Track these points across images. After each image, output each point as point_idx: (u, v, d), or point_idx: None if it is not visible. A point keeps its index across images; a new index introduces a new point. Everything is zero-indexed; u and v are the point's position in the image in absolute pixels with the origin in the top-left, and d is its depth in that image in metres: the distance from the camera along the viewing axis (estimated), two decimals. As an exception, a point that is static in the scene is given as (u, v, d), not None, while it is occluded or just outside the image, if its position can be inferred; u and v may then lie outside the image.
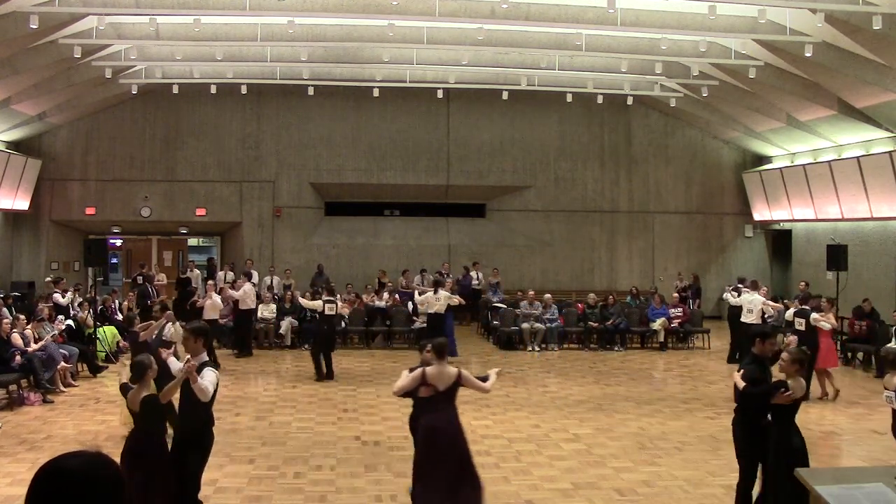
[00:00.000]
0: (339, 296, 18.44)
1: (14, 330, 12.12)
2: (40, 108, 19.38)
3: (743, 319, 14.88)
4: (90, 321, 15.19)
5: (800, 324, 13.01)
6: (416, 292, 17.14)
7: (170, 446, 6.40)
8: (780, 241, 23.77)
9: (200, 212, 22.34)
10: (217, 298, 15.70)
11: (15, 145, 20.74)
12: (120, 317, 16.11)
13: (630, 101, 21.47)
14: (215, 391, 6.32)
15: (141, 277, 19.31)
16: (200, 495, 6.53)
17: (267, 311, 17.42)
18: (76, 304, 15.89)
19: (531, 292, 18.35)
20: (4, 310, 13.90)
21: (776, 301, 16.13)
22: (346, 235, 22.94)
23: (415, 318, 17.53)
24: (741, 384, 6.69)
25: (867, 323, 15.60)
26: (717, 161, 24.01)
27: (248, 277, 17.89)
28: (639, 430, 10.38)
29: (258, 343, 17.04)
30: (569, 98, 20.60)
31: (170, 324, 11.14)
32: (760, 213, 23.11)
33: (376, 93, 19.88)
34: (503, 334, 17.79)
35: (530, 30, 16.14)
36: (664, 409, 11.70)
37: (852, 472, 7.00)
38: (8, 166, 19.38)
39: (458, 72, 18.76)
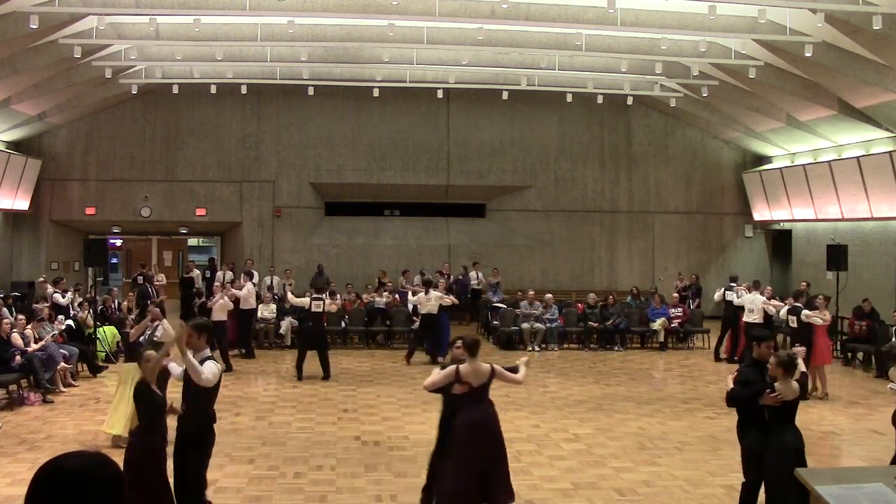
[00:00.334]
0: (333, 294, 18.52)
1: (14, 330, 12.12)
2: (40, 108, 19.39)
3: (745, 319, 14.92)
4: (90, 321, 15.19)
5: (792, 321, 13.06)
6: (410, 292, 17.11)
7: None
8: (780, 241, 23.77)
9: (200, 212, 22.34)
10: (227, 299, 15.55)
11: (15, 145, 20.75)
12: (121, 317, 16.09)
13: (630, 101, 21.47)
14: (217, 387, 6.30)
15: (141, 277, 19.31)
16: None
17: (267, 311, 17.42)
18: (76, 304, 15.88)
19: (531, 292, 18.35)
20: (4, 310, 13.89)
21: (778, 300, 16.11)
22: (346, 235, 22.94)
23: (415, 318, 17.51)
24: (730, 385, 6.81)
25: (867, 323, 15.59)
26: (717, 161, 24.01)
27: (250, 277, 17.88)
28: (639, 430, 10.38)
29: (258, 343, 17.04)
30: (569, 98, 20.60)
31: (161, 323, 10.83)
32: (760, 213, 23.11)
33: (376, 93, 19.88)
34: (503, 334, 17.78)
35: (530, 30, 16.14)
36: (664, 409, 11.70)
37: (852, 472, 7.00)
38: (8, 166, 19.38)
39: (458, 72, 18.77)
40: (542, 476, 8.30)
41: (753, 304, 14.86)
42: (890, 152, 17.28)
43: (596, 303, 18.21)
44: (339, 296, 18.59)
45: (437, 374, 6.76)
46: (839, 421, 11.16)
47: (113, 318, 15.58)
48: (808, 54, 14.46)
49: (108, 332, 15.26)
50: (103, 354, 14.92)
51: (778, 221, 22.86)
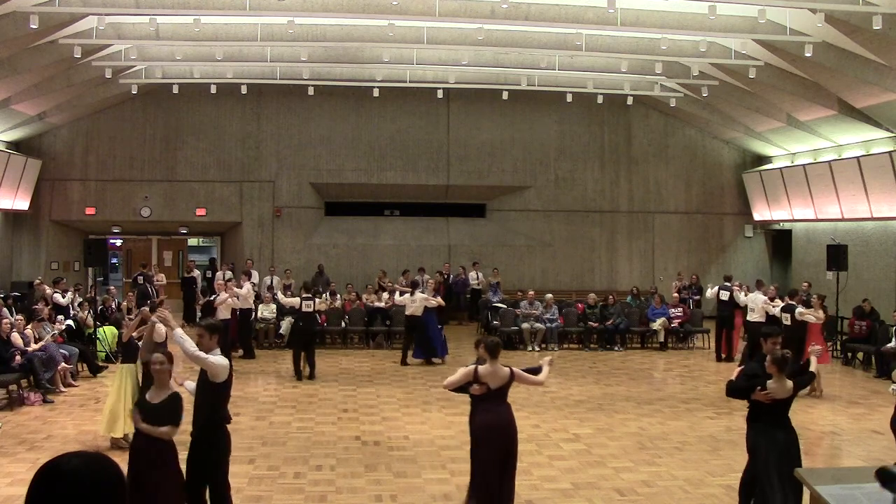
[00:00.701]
0: (334, 294, 18.51)
1: (14, 330, 12.12)
2: (40, 108, 19.38)
3: (749, 318, 15.01)
4: (90, 321, 15.19)
5: (786, 318, 13.10)
6: (397, 293, 17.01)
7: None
8: (780, 241, 23.77)
9: (200, 212, 22.34)
10: (232, 299, 15.46)
11: (15, 145, 20.75)
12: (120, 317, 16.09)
13: (630, 101, 21.47)
14: (229, 385, 6.25)
15: (141, 277, 19.31)
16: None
17: (267, 311, 17.42)
18: (76, 304, 15.89)
19: (531, 292, 18.35)
20: (4, 310, 13.89)
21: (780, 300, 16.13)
22: (347, 235, 22.94)
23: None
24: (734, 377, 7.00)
25: (867, 323, 15.60)
26: (717, 161, 24.01)
27: (248, 277, 17.88)
28: (639, 430, 10.38)
29: (258, 343, 17.04)
30: (569, 98, 20.59)
31: (151, 323, 10.56)
32: (760, 213, 23.11)
33: (376, 93, 19.88)
34: (503, 334, 17.73)
35: (530, 30, 16.13)
36: (664, 409, 11.70)
37: (852, 472, 6.99)
38: (8, 166, 19.38)
39: (458, 72, 18.77)
40: (542, 476, 8.30)
41: (755, 304, 14.90)
42: (890, 152, 17.28)
43: (596, 303, 18.21)
44: (339, 296, 18.62)
45: (458, 373, 6.79)
46: (839, 421, 11.16)
47: (112, 318, 15.59)
48: (808, 54, 14.46)
49: (108, 332, 15.26)
50: (103, 354, 14.92)
51: (778, 221, 22.86)
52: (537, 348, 17.32)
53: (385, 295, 18.74)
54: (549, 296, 18.31)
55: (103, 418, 9.38)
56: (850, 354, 15.82)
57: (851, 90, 16.28)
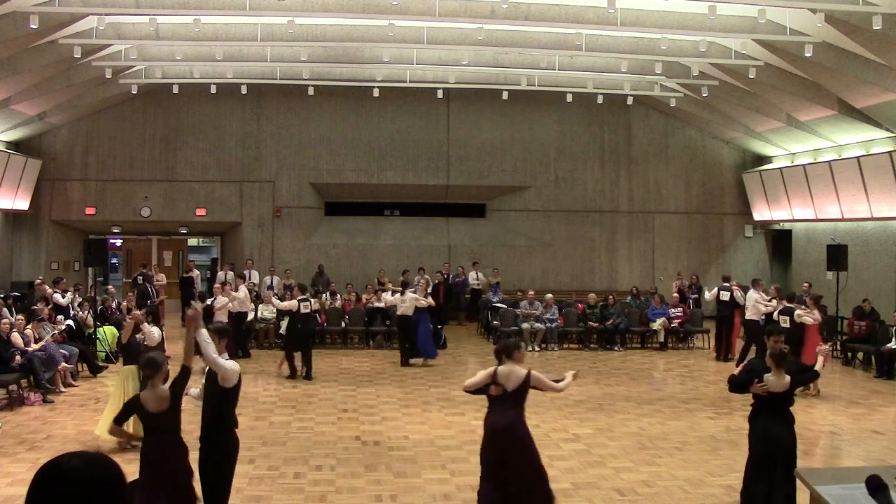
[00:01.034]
0: (334, 294, 18.50)
1: (14, 330, 12.12)
2: (40, 108, 19.38)
3: (747, 317, 15.08)
4: (90, 321, 15.19)
5: (784, 321, 13.13)
6: (389, 292, 16.93)
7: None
8: (780, 241, 23.77)
9: (200, 212, 22.34)
10: (232, 301, 15.39)
11: (15, 145, 20.75)
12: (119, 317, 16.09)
13: (630, 101, 21.48)
14: (238, 388, 6.23)
15: (141, 277, 19.30)
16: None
17: (267, 311, 17.40)
18: (76, 304, 15.89)
19: (531, 292, 18.35)
20: (4, 310, 13.89)
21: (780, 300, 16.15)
22: (347, 235, 22.94)
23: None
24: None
25: (867, 323, 15.60)
26: (717, 161, 24.01)
27: (244, 280, 17.84)
28: (639, 430, 10.38)
29: (258, 343, 17.02)
30: (569, 98, 20.59)
31: (143, 326, 10.46)
32: (760, 213, 23.11)
33: (376, 93, 19.88)
34: (503, 334, 17.74)
35: (530, 30, 16.13)
36: (664, 409, 11.70)
37: (852, 472, 7.00)
38: (8, 166, 19.38)
39: (458, 72, 18.77)
40: (542, 476, 8.29)
41: (750, 302, 15.02)
42: (890, 152, 17.29)
43: (596, 303, 18.21)
44: (339, 296, 18.61)
45: (478, 375, 6.77)
46: (839, 421, 11.16)
47: (112, 318, 15.58)
48: (808, 54, 14.46)
49: (108, 332, 15.26)
50: (103, 354, 14.92)
51: (778, 221, 22.86)
52: (537, 348, 17.32)
53: (385, 295, 18.73)
54: (549, 296, 18.31)
55: (103, 420, 9.37)
56: (850, 354, 15.82)
57: (851, 90, 16.28)
